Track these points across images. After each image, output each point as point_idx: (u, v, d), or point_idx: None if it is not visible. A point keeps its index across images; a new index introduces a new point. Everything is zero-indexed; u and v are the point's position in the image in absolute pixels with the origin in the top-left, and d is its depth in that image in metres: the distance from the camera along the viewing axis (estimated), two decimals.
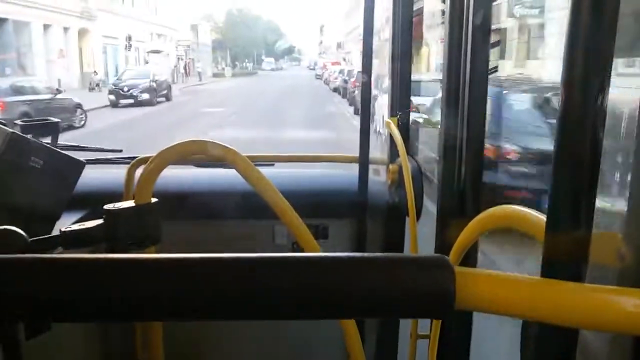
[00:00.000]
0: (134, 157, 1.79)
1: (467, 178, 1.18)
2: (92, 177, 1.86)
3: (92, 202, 1.58)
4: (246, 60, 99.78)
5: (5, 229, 1.05)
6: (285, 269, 0.45)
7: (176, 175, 2.10)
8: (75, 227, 1.13)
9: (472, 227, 0.82)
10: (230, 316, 0.46)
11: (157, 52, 40.47)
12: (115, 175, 1.94)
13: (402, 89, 1.97)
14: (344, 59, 53.95)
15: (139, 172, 1.26)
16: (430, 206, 1.59)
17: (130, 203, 1.16)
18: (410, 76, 1.99)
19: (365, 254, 0.46)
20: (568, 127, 0.53)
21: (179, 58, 47.85)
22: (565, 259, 0.53)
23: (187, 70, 43.36)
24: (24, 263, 0.46)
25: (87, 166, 1.63)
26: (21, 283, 0.44)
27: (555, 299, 0.45)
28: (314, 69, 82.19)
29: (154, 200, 1.19)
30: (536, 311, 0.46)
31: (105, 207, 1.13)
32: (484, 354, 1.60)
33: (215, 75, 57.85)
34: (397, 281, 0.45)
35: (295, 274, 0.45)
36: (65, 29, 31.29)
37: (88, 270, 0.45)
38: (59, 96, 15.71)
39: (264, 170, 1.28)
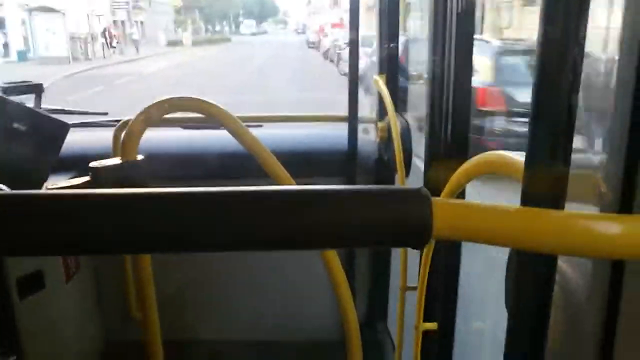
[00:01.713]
0: (119, 120, 1.76)
1: (454, 126, 1.20)
2: (78, 140, 1.88)
3: (79, 164, 1.50)
4: (224, 23, 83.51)
5: None
6: (267, 201, 0.46)
7: (164, 137, 2.10)
8: (62, 184, 1.19)
9: (459, 175, 0.83)
10: (214, 247, 0.47)
11: (48, 10, 24.48)
12: (101, 138, 1.89)
13: (390, 44, 1.96)
14: (342, 19, 38.46)
15: (124, 133, 1.23)
16: (420, 163, 1.56)
17: (116, 160, 1.15)
18: (398, 32, 1.99)
19: (345, 186, 0.47)
20: (545, 67, 0.53)
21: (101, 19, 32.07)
22: (544, 190, 0.53)
23: (109, 39, 28.19)
24: (7, 200, 0.46)
25: (73, 130, 1.64)
26: (6, 219, 0.44)
27: (534, 225, 0.46)
28: (303, 33, 69.00)
29: (140, 157, 1.17)
30: (515, 238, 0.47)
31: (91, 164, 1.13)
32: (470, 302, 1.73)
33: (170, 43, 42.26)
34: (377, 211, 0.45)
35: (276, 206, 0.45)
36: None
37: (76, 204, 0.46)
38: None
39: (253, 131, 1.28)
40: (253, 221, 0.45)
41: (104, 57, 27.81)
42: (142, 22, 46.36)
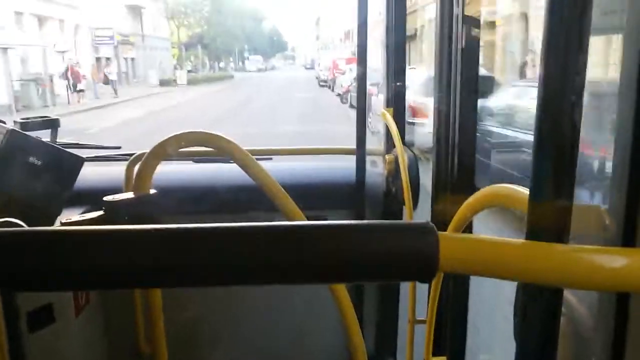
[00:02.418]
0: (133, 154, 1.78)
1: (460, 160, 1.21)
2: (91, 174, 1.91)
3: (92, 198, 1.53)
4: (230, 59, 79.18)
5: (6, 221, 1.12)
6: (276, 237, 0.47)
7: (175, 171, 2.13)
8: (75, 218, 1.23)
9: (465, 208, 0.83)
10: (222, 282, 0.49)
11: None
12: (114, 172, 1.94)
13: (397, 80, 1.98)
14: (353, 54, 32.88)
15: (138, 167, 1.25)
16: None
17: (129, 194, 1.17)
18: (405, 67, 2.02)
19: (353, 222, 0.48)
20: (548, 103, 0.54)
21: (65, 57, 25.58)
22: (548, 224, 0.54)
23: (71, 81, 22.65)
24: (22, 236, 0.47)
25: (86, 163, 1.66)
26: (20, 255, 0.45)
27: (539, 259, 0.46)
28: (311, 68, 65.82)
29: (152, 191, 1.18)
30: (521, 272, 0.47)
31: (105, 198, 1.15)
32: (479, 339, 1.79)
33: (163, 83, 37.10)
34: (383, 246, 0.46)
35: (285, 242, 0.46)
36: None
37: (88, 240, 0.46)
38: None
39: (262, 164, 1.29)
40: (262, 256, 0.46)
41: (69, 103, 22.52)
42: (132, 59, 41.44)
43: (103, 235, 0.47)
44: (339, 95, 22.51)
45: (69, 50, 25.92)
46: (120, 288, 0.63)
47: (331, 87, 28.67)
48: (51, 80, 21.55)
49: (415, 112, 8.34)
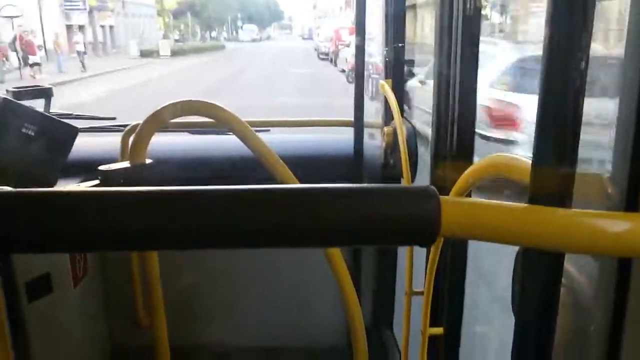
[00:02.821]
0: (127, 125, 1.76)
1: (459, 130, 1.20)
2: (86, 144, 1.88)
3: (88, 168, 1.50)
4: (223, 29, 74.74)
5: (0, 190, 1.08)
6: (276, 199, 0.46)
7: (172, 142, 2.11)
8: (71, 187, 1.20)
9: (466, 177, 0.82)
10: (220, 244, 0.49)
11: None
12: (110, 142, 1.91)
13: (396, 51, 1.96)
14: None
15: (134, 137, 1.24)
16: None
17: (125, 164, 1.16)
18: (404, 37, 1.98)
19: (354, 185, 0.47)
20: (552, 67, 0.53)
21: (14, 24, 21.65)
22: (550, 189, 0.54)
23: (21, 52, 18.80)
24: (18, 198, 0.47)
25: (81, 134, 1.64)
26: (16, 216, 0.45)
27: (542, 223, 0.46)
28: (309, 38, 62.33)
29: (148, 161, 1.18)
30: (522, 236, 0.47)
31: (100, 167, 1.14)
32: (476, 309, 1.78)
33: (145, 53, 33.25)
34: (385, 209, 0.46)
35: (285, 204, 0.46)
36: None
37: (83, 201, 0.46)
38: None
39: (260, 136, 1.28)
40: (261, 218, 0.45)
41: (21, 78, 18.83)
42: (111, 27, 37.42)
43: (98, 196, 0.46)
44: (343, 71, 18.90)
45: (20, 15, 21.86)
46: (116, 250, 0.60)
47: (333, 61, 24.94)
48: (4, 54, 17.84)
49: (496, 119, 4.79)
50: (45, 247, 0.52)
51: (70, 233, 0.46)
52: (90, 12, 34.03)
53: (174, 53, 34.49)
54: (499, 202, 0.48)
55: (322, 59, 29.00)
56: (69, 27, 30.16)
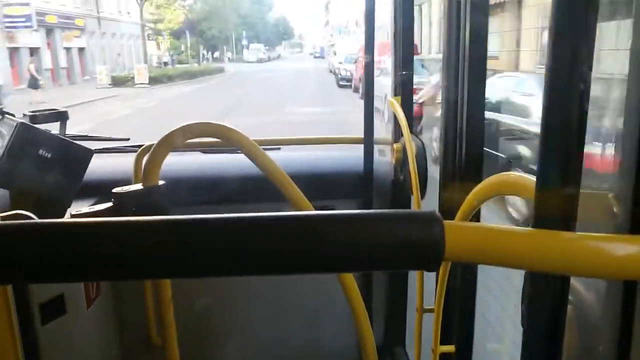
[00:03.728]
0: (141, 145, 1.80)
1: (468, 148, 1.20)
2: (101, 165, 1.90)
3: (101, 189, 1.53)
4: (225, 48, 68.02)
5: (17, 213, 1.12)
6: (284, 227, 0.47)
7: (184, 162, 2.14)
8: (85, 210, 1.23)
9: (472, 197, 0.83)
10: (230, 272, 0.49)
11: None
12: (123, 163, 1.94)
13: (405, 68, 1.97)
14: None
15: (146, 159, 1.25)
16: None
17: (138, 186, 1.17)
18: (412, 56, 2.00)
19: (359, 211, 0.48)
20: (555, 89, 0.54)
21: None
22: (555, 212, 0.54)
23: None
24: (33, 228, 0.48)
25: (95, 155, 1.67)
26: (32, 247, 0.46)
27: (546, 247, 0.46)
28: (321, 57, 58.28)
29: (161, 182, 1.19)
30: (527, 261, 0.47)
31: (114, 190, 1.15)
32: (487, 327, 1.76)
33: (118, 81, 26.16)
34: (390, 234, 0.46)
35: (293, 231, 0.47)
36: None
37: (98, 231, 0.47)
38: None
39: (270, 154, 1.29)
40: (271, 246, 0.46)
41: None
42: (80, 50, 30.45)
43: (113, 226, 0.47)
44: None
45: None
46: (130, 279, 0.63)
47: (358, 89, 17.74)
48: None
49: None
50: (58, 277, 0.54)
51: (84, 264, 0.46)
52: (50, 31, 27.10)
53: (155, 80, 27.42)
54: (503, 226, 0.48)
55: (343, 86, 21.61)
56: (13, 51, 23.21)
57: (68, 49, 28.99)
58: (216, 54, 62.42)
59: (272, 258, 0.46)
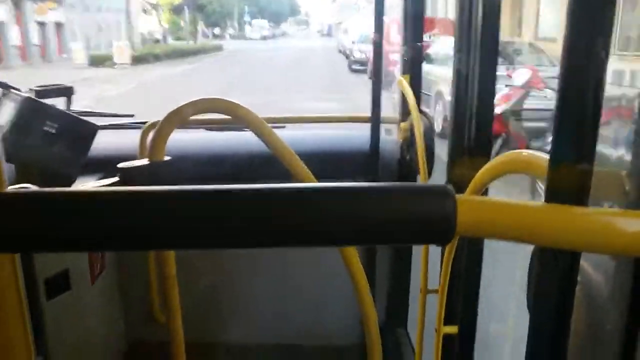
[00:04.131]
0: (145, 122, 1.81)
1: (477, 126, 1.20)
2: (106, 141, 1.88)
3: (107, 165, 1.50)
4: (227, 24, 64.22)
5: (23, 187, 1.13)
6: (292, 198, 0.46)
7: (190, 139, 2.13)
8: (91, 184, 1.25)
9: (483, 174, 0.82)
10: (236, 244, 0.49)
11: None
12: (128, 139, 1.93)
13: (415, 47, 1.95)
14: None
15: (152, 134, 1.24)
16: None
17: (144, 161, 1.16)
18: (422, 35, 1.97)
19: (371, 184, 0.48)
20: (571, 63, 0.53)
21: None
22: (568, 186, 0.53)
23: None
24: (39, 197, 0.48)
25: (100, 131, 1.66)
26: (38, 215, 0.46)
27: (558, 222, 0.46)
28: (328, 35, 55.29)
29: (167, 158, 1.19)
30: (539, 235, 0.47)
31: (120, 165, 1.14)
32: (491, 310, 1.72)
33: (97, 60, 22.72)
34: (401, 207, 0.46)
35: (301, 203, 0.46)
36: None
37: (104, 200, 0.47)
38: None
39: (277, 132, 1.27)
40: (278, 217, 0.45)
41: None
42: (58, 25, 26.89)
43: (116, 196, 0.47)
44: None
45: None
46: (134, 249, 0.61)
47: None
48: None
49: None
50: (65, 246, 0.54)
51: (90, 233, 0.46)
52: (18, 2, 23.55)
53: (140, 60, 23.91)
54: (515, 200, 0.47)
55: (357, 71, 18.11)
56: None
57: (42, 24, 25.46)
58: (217, 31, 58.56)
59: (278, 230, 0.46)
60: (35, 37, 24.74)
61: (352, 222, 0.45)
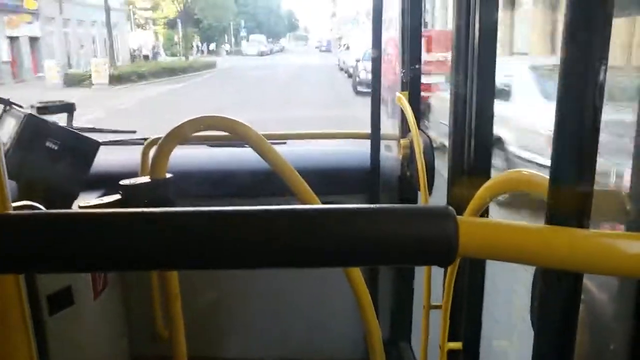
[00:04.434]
0: (147, 138, 1.81)
1: (477, 144, 1.19)
2: (108, 158, 1.90)
3: (109, 181, 1.50)
4: (225, 39, 62.34)
5: (26, 204, 1.12)
6: (293, 220, 0.46)
7: (191, 155, 2.12)
8: (93, 202, 1.20)
9: (483, 192, 0.82)
10: (238, 265, 0.48)
11: None
12: (130, 155, 1.93)
13: (413, 64, 1.96)
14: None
15: (153, 151, 1.25)
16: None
17: (145, 178, 1.17)
18: (420, 53, 1.98)
19: (373, 205, 0.47)
20: (569, 84, 0.53)
21: None
22: (568, 208, 0.53)
23: None
24: (42, 219, 0.48)
25: (103, 147, 1.69)
26: (40, 237, 0.46)
27: (559, 244, 0.46)
28: (327, 51, 52.81)
29: (168, 175, 1.19)
30: (540, 257, 0.47)
31: (121, 182, 1.15)
32: (494, 325, 1.72)
33: (72, 80, 20.28)
34: (403, 229, 0.46)
35: (303, 225, 0.46)
36: None
37: (105, 222, 0.47)
38: None
39: (277, 148, 1.28)
40: (279, 239, 0.45)
41: None
42: (33, 40, 24.53)
43: (120, 217, 0.47)
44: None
45: None
46: (136, 270, 0.62)
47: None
48: None
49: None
50: (68, 267, 0.54)
51: (93, 254, 0.46)
52: None
53: (121, 79, 21.49)
54: (516, 222, 0.47)
55: (362, 93, 15.59)
56: None
57: (14, 39, 23.08)
58: (213, 46, 56.46)
59: (281, 252, 0.46)
60: (4, 54, 22.33)
61: (353, 244, 0.45)
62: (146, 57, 34.18)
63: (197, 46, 53.72)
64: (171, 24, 48.84)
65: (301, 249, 0.45)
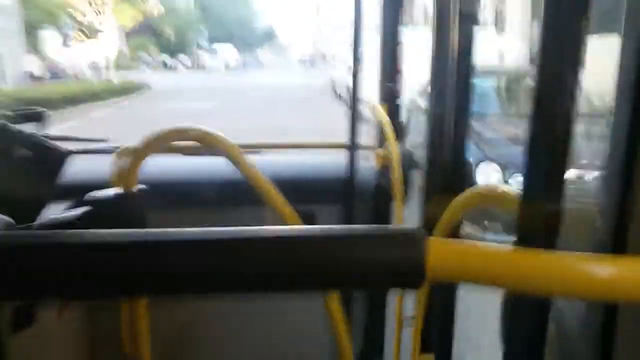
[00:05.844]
0: (119, 147, 1.78)
1: (451, 157, 1.20)
2: (77, 167, 1.86)
3: (79, 191, 1.46)
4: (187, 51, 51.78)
5: None
6: (259, 244, 0.45)
7: (163, 164, 2.03)
8: (62, 213, 1.17)
9: (454, 207, 0.82)
10: (208, 291, 0.47)
11: None
12: (101, 164, 1.86)
13: (392, 74, 1.98)
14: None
15: (124, 162, 1.24)
16: None
17: (115, 190, 1.14)
18: (400, 65, 2.00)
19: (338, 226, 0.47)
20: (542, 103, 0.53)
21: None
22: (537, 230, 0.53)
23: None
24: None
25: (73, 156, 1.66)
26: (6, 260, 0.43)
27: (528, 266, 0.46)
28: (311, 65, 46.78)
29: (140, 186, 1.16)
30: (509, 279, 0.47)
31: (90, 194, 1.12)
32: (468, 335, 1.70)
33: None
34: (368, 254, 0.45)
35: (268, 250, 0.45)
36: None
37: (65, 245, 0.45)
38: None
39: (252, 157, 1.28)
40: (245, 266, 0.44)
41: None
42: None
43: (78, 241, 0.45)
44: None
45: None
46: (102, 299, 0.58)
47: None
48: None
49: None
50: (28, 296, 0.52)
51: (45, 281, 0.44)
52: None
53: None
54: (486, 244, 0.47)
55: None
56: None
57: None
58: (169, 61, 45.92)
59: (246, 278, 0.44)
60: None
61: (317, 269, 0.44)
62: (37, 78, 23.37)
63: (151, 59, 44.14)
64: (129, 36, 41.63)
65: (262, 275, 0.44)
